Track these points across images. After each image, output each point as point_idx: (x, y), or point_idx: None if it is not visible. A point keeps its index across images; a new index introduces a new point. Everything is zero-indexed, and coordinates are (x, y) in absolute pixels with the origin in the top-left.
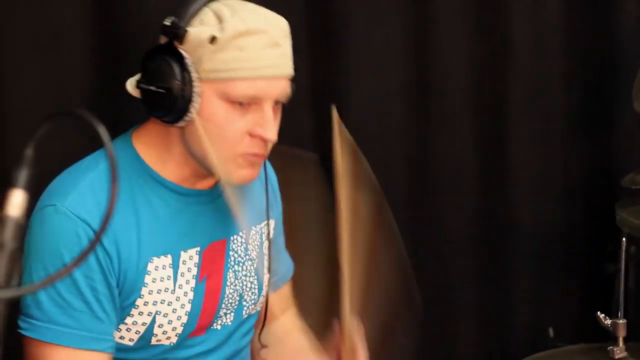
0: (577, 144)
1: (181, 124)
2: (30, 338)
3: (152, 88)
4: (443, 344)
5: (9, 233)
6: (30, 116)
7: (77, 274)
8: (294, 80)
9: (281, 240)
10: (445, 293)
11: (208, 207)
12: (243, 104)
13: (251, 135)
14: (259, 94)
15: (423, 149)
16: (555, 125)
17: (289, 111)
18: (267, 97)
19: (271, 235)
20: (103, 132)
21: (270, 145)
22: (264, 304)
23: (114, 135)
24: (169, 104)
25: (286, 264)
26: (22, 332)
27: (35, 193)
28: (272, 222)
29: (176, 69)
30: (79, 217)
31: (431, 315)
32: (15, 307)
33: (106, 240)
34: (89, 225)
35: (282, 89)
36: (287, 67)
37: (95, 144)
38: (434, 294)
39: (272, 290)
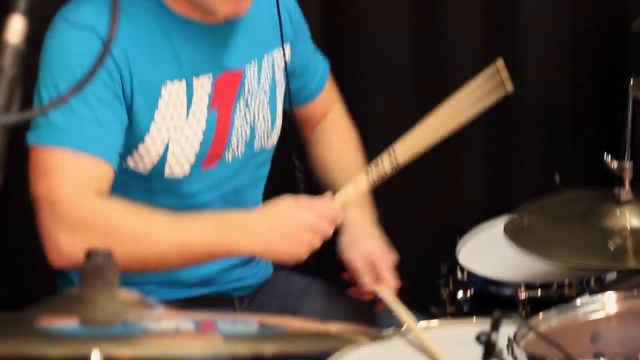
0: None
1: None
2: (35, 148)
3: None
4: (451, 191)
5: (8, 59)
6: None
7: (80, 74)
8: None
9: (309, 49)
10: (453, 139)
11: (222, 39)
12: None
13: None
14: None
15: None
16: None
17: None
18: None
19: (287, 60)
20: None
21: None
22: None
23: None
24: None
25: (317, 74)
26: (28, 142)
27: (35, 20)
28: (287, 47)
29: None
30: (91, 28)
31: (439, 161)
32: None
33: (115, 50)
34: (101, 37)
35: None
36: None
37: None
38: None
39: (308, 101)
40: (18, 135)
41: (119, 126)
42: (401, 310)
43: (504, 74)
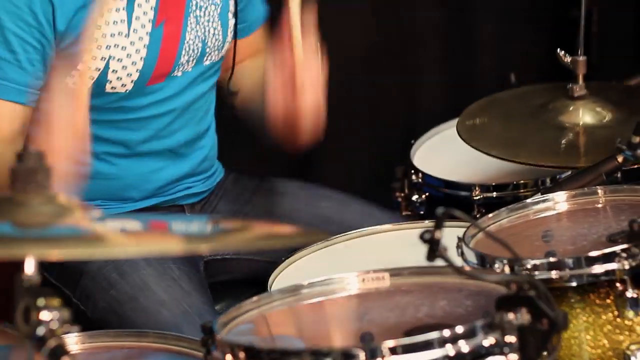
0: None
1: None
2: None
3: None
4: (408, 93)
5: None
6: None
7: (7, 22)
8: None
9: None
10: (409, 39)
11: None
12: None
13: None
14: None
15: None
16: None
17: None
18: None
19: None
20: None
21: None
22: (231, 50)
23: None
24: None
25: (257, 10)
26: None
27: None
28: None
29: None
30: None
31: (395, 62)
32: None
33: None
34: None
35: None
36: None
37: None
38: (400, 46)
39: (241, 37)
40: None
41: (42, 66)
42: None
43: None
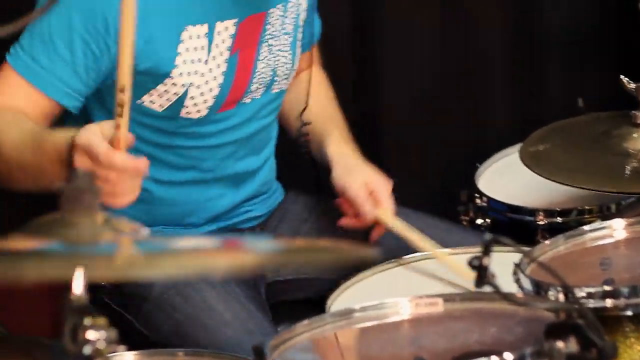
0: None
1: None
2: (8, 63)
3: None
4: (476, 117)
5: None
6: None
7: (78, 23)
8: None
9: (314, 2)
10: (477, 63)
11: None
12: None
13: None
14: None
15: None
16: None
17: None
18: None
19: (305, 5)
20: None
21: None
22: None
23: None
24: None
25: (315, 27)
26: (7, 55)
27: None
28: None
29: None
30: None
31: (462, 85)
32: None
33: None
34: None
35: None
36: None
37: None
38: (467, 69)
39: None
40: None
41: (94, 79)
42: (404, 231)
43: None
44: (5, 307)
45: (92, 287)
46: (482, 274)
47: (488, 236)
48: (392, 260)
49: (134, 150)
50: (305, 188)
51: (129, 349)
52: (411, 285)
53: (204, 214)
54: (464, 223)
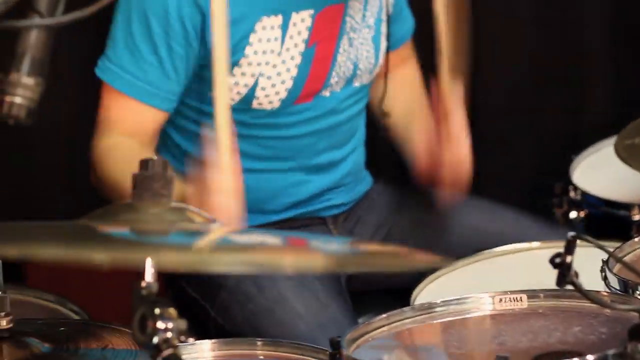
0: None
1: None
2: (101, 78)
3: None
4: (572, 107)
5: None
6: None
7: (156, 27)
8: None
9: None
10: (577, 56)
11: None
12: None
13: None
14: None
15: None
16: None
17: None
18: None
19: None
20: None
21: None
22: (382, 72)
23: None
24: None
25: (407, 24)
26: (96, 69)
27: None
28: None
29: None
30: None
31: (559, 76)
32: None
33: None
34: None
35: None
36: None
37: None
38: (565, 59)
39: (388, 51)
40: None
41: (185, 74)
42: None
43: None
44: (87, 292)
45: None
46: (564, 273)
47: (571, 234)
48: (482, 253)
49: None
50: (394, 178)
51: (198, 339)
52: (499, 280)
53: (285, 201)
54: (557, 216)
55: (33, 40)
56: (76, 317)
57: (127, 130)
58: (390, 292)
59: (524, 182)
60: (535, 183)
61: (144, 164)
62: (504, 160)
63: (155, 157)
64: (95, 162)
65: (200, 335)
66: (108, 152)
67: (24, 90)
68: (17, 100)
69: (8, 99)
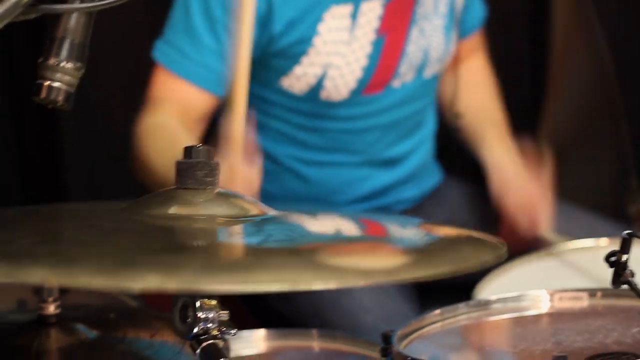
0: None
1: None
2: (156, 60)
3: None
4: None
5: None
6: None
7: (217, 11)
8: None
9: None
10: None
11: None
12: None
13: None
14: None
15: None
16: None
17: None
18: None
19: None
20: None
21: None
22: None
23: None
24: None
25: (478, 12)
26: (153, 52)
27: None
28: None
29: None
30: None
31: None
32: None
33: None
34: None
35: None
36: None
37: None
38: None
39: (461, 37)
40: None
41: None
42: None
43: None
44: None
45: None
46: (619, 272)
47: (626, 232)
48: (550, 250)
49: (280, 134)
50: (464, 173)
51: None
52: (562, 277)
53: (351, 195)
54: (633, 213)
55: (73, 24)
56: (132, 304)
57: (175, 111)
58: (456, 288)
59: (601, 179)
60: (613, 180)
61: (188, 150)
62: (580, 154)
63: (199, 145)
64: (137, 138)
65: (260, 324)
66: (153, 130)
67: (63, 75)
68: (56, 84)
69: (47, 83)
